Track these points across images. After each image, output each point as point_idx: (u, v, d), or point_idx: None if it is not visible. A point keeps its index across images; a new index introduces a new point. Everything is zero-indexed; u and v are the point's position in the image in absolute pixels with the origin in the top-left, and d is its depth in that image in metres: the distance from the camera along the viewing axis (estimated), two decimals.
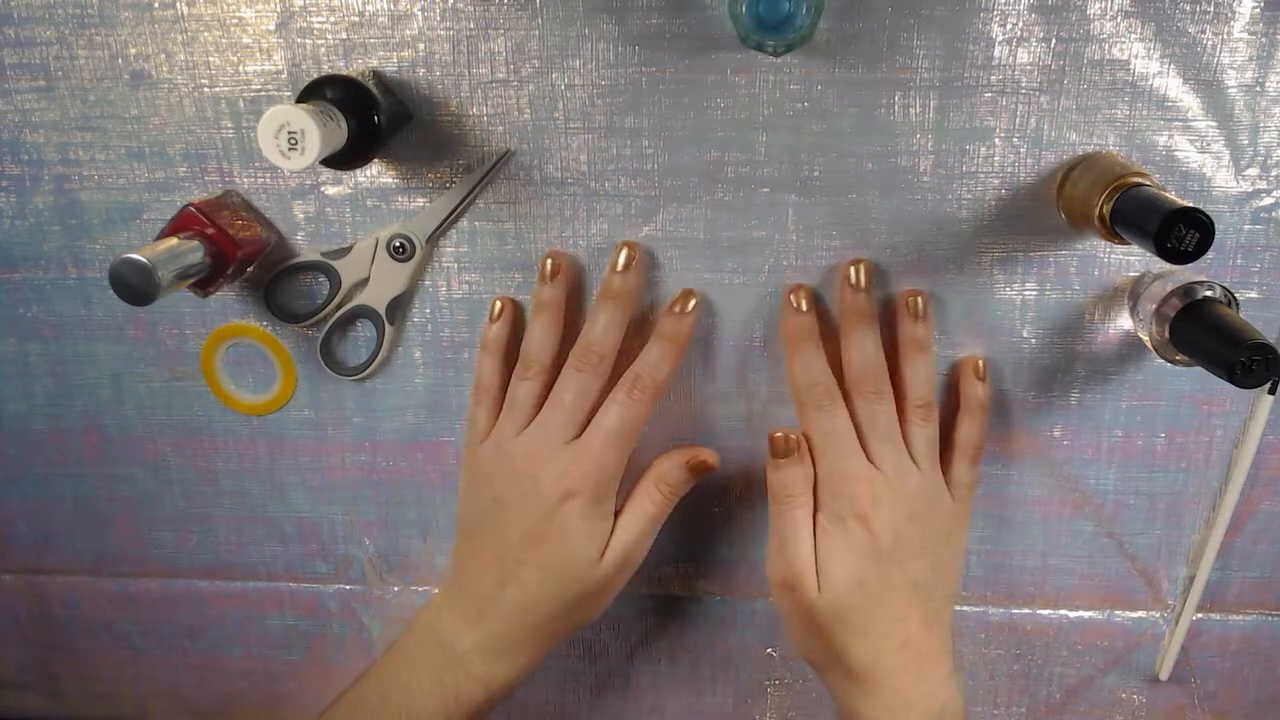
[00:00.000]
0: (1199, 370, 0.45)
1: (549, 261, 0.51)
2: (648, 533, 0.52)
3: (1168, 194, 0.42)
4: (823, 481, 0.50)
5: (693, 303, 0.51)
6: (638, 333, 0.52)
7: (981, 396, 0.52)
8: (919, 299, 0.51)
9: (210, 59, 0.50)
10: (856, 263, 0.50)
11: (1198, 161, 0.48)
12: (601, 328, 0.50)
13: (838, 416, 0.50)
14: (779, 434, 0.50)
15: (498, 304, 0.52)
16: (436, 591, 0.55)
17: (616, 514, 0.51)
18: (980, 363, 0.52)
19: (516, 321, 0.53)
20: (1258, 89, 0.47)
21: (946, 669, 0.51)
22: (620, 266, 0.51)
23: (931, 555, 0.51)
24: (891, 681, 0.50)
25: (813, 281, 0.52)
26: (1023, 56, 0.47)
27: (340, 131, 0.45)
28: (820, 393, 0.50)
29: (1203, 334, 0.44)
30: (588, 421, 0.50)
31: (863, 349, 0.50)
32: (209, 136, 0.51)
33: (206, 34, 0.50)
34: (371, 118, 0.47)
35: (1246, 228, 0.49)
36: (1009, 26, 0.47)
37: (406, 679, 0.51)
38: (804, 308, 0.51)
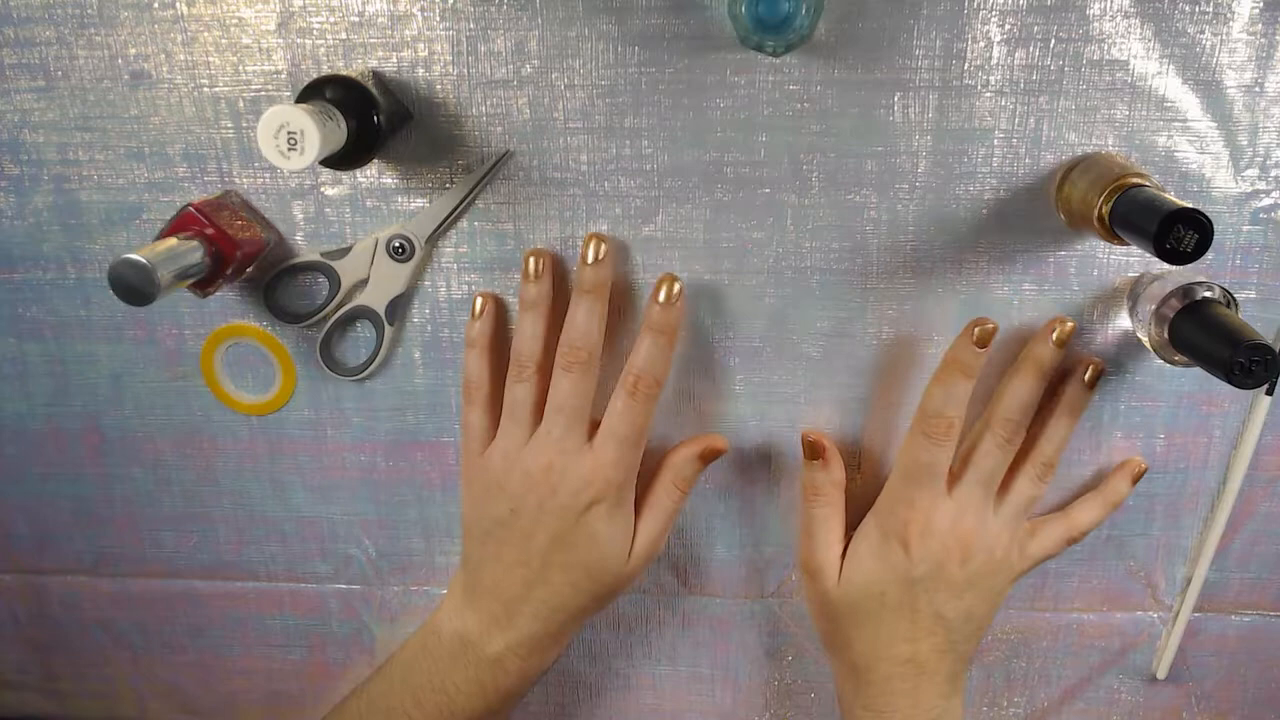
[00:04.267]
0: (1198, 371, 0.45)
1: (532, 259, 0.50)
2: (668, 527, 0.53)
3: (1167, 194, 0.42)
4: (887, 492, 0.52)
5: (677, 288, 0.49)
6: (628, 327, 0.52)
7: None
8: (1095, 370, 0.50)
9: (210, 59, 0.50)
10: (1063, 322, 0.49)
11: (1197, 162, 0.48)
12: (582, 324, 0.49)
13: (941, 452, 0.50)
14: (812, 437, 0.52)
15: (479, 300, 0.52)
16: (451, 593, 0.55)
17: (636, 509, 0.52)
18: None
19: (499, 316, 0.53)
20: (1257, 89, 0.47)
21: (946, 693, 0.51)
22: (590, 259, 0.49)
23: (969, 600, 0.51)
24: (885, 685, 0.51)
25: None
26: (1022, 57, 0.47)
27: (340, 131, 0.45)
28: (941, 426, 0.49)
29: (1201, 335, 0.44)
30: (590, 419, 0.50)
31: (1020, 397, 0.50)
32: (209, 136, 0.51)
33: (206, 34, 0.49)
34: (371, 118, 0.47)
35: (1245, 228, 0.49)
36: (1008, 26, 0.47)
37: (440, 681, 0.52)
38: (981, 348, 0.49)
